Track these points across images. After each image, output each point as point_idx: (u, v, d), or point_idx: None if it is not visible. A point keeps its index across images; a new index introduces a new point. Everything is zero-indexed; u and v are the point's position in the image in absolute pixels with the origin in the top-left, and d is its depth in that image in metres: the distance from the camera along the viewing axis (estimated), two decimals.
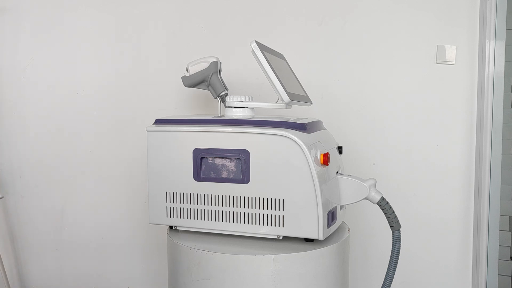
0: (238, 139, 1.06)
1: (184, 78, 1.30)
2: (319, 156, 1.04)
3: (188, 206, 1.12)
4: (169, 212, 1.15)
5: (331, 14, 1.69)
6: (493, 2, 1.57)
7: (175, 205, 1.14)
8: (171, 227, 1.19)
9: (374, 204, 1.13)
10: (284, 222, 1.04)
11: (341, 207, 1.19)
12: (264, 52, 1.11)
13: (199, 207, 1.11)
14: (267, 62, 1.09)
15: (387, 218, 1.11)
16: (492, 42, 1.58)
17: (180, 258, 1.09)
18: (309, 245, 1.06)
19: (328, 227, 1.06)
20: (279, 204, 1.04)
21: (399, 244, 1.12)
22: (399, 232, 1.12)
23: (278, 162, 1.03)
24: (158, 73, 1.80)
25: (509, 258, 2.38)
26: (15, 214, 1.86)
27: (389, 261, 1.14)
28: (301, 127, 1.06)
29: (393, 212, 1.12)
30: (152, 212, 1.17)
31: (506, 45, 1.61)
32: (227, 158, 1.07)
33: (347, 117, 1.71)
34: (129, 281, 1.87)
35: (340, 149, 1.23)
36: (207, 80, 1.26)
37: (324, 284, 1.05)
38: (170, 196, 1.14)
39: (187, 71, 1.32)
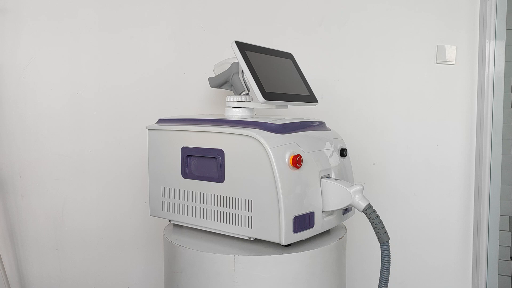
0: (215, 139, 1.09)
1: (210, 79, 1.32)
2: (288, 158, 1.01)
3: (178, 201, 1.19)
4: (164, 206, 1.23)
5: (331, 14, 1.69)
6: (493, 2, 1.57)
7: (168, 199, 1.21)
8: (170, 221, 1.27)
9: (360, 212, 1.06)
10: (252, 224, 1.04)
11: (331, 212, 1.13)
12: (247, 51, 1.13)
13: (186, 203, 1.17)
14: (245, 62, 1.10)
15: (373, 228, 1.03)
16: (492, 42, 1.58)
17: (164, 250, 1.18)
18: (278, 249, 1.04)
19: (296, 232, 1.01)
20: (248, 205, 1.04)
21: (389, 257, 1.03)
22: (388, 245, 1.02)
23: (247, 162, 1.03)
24: (158, 73, 1.80)
25: (509, 258, 2.38)
26: (15, 214, 1.86)
27: (380, 277, 1.06)
28: (274, 128, 1.04)
29: (381, 221, 1.03)
30: (152, 205, 1.26)
31: (506, 45, 1.61)
32: (207, 157, 1.11)
33: (347, 117, 1.71)
34: (129, 281, 1.87)
35: (343, 152, 1.18)
36: (229, 81, 1.28)
37: None
38: (164, 191, 1.22)
39: (214, 72, 1.34)
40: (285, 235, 0.99)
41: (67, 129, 1.81)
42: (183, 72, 1.80)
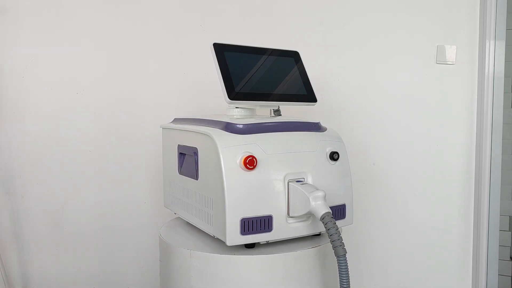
0: (193, 137, 1.13)
1: None
2: (240, 159, 1.00)
3: (176, 195, 1.25)
4: (170, 199, 1.30)
5: (331, 14, 1.69)
6: (493, 2, 1.57)
7: (172, 193, 1.27)
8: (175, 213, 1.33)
9: (318, 219, 0.99)
10: (213, 222, 1.05)
11: (306, 218, 1.07)
12: (226, 52, 1.16)
13: (180, 197, 1.23)
14: (218, 63, 1.13)
15: (329, 238, 0.95)
16: (492, 42, 1.58)
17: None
18: (237, 249, 1.04)
19: (244, 234, 1.00)
20: (211, 203, 1.05)
21: (346, 271, 0.94)
22: (344, 258, 0.94)
23: (211, 161, 1.05)
24: (158, 73, 1.80)
25: (509, 258, 2.38)
26: (15, 214, 1.86)
27: None
28: (234, 128, 1.05)
29: (338, 232, 0.95)
30: (164, 198, 1.35)
31: (506, 45, 1.61)
32: (190, 155, 1.16)
33: (347, 117, 1.70)
34: (129, 281, 1.87)
35: (332, 155, 1.11)
36: None
37: None
38: (170, 185, 1.29)
39: None
40: (229, 235, 0.98)
41: (67, 129, 1.81)
42: (183, 72, 1.79)
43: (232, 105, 1.16)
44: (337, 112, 1.71)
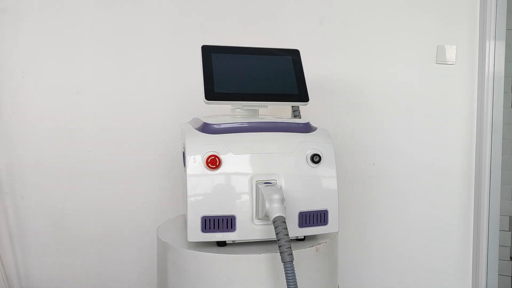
0: (183, 137, 1.16)
1: None
2: (204, 158, 1.02)
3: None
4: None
5: (331, 14, 1.69)
6: (493, 2, 1.57)
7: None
8: None
9: (271, 222, 0.96)
10: (186, 217, 1.08)
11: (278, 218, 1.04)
12: (213, 54, 1.19)
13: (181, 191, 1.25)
14: (202, 64, 1.16)
15: (277, 242, 0.92)
16: (492, 42, 1.58)
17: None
18: (198, 246, 1.06)
19: (205, 232, 1.02)
20: (185, 199, 1.07)
21: (293, 278, 0.91)
22: (290, 265, 0.90)
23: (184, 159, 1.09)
24: (158, 73, 1.79)
25: (509, 258, 2.38)
26: (15, 214, 1.86)
27: None
28: (206, 128, 1.08)
29: (285, 238, 0.91)
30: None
31: (506, 45, 1.61)
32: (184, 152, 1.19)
33: (347, 117, 1.70)
34: (129, 281, 1.86)
35: (313, 158, 1.06)
36: None
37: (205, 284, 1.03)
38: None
39: None
40: (190, 231, 1.02)
41: (67, 130, 1.81)
42: (183, 72, 1.79)
43: (210, 105, 1.17)
44: (337, 112, 1.71)
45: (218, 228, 1.03)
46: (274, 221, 0.94)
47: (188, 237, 1.02)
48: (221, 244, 1.05)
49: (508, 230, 2.44)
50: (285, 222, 0.94)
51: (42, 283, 1.88)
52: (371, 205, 1.71)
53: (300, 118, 1.28)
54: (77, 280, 1.87)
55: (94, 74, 1.80)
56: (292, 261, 0.91)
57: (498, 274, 1.67)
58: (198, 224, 1.01)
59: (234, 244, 1.06)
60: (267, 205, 0.97)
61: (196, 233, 1.02)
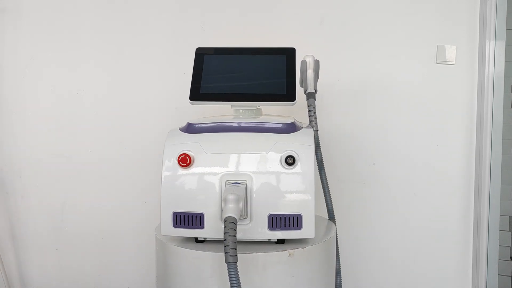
0: None
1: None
2: (177, 156, 1.06)
3: None
4: None
5: (331, 14, 1.69)
6: (493, 2, 1.57)
7: None
8: None
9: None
10: None
11: (249, 221, 1.05)
12: (206, 55, 1.24)
13: None
14: (194, 66, 1.22)
15: (224, 241, 0.90)
16: (492, 42, 1.58)
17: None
18: (179, 241, 1.10)
19: (176, 227, 1.06)
20: None
21: (236, 279, 0.89)
22: (233, 266, 0.89)
23: None
24: (158, 73, 1.79)
25: (509, 258, 2.38)
26: (15, 214, 1.86)
27: None
28: (186, 127, 1.13)
29: (232, 238, 0.90)
30: None
31: (506, 45, 1.61)
32: None
33: (347, 117, 1.70)
34: (129, 280, 1.86)
35: (287, 160, 1.03)
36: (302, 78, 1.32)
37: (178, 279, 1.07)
38: None
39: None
40: (164, 226, 1.07)
41: (67, 130, 1.81)
42: (183, 73, 1.79)
43: (195, 105, 1.22)
44: (337, 112, 1.71)
45: (188, 225, 1.06)
46: (225, 220, 0.93)
47: (162, 231, 1.07)
48: (198, 241, 1.09)
49: (508, 230, 2.44)
50: (234, 223, 0.93)
51: (42, 283, 1.89)
52: (371, 205, 1.71)
53: (315, 119, 1.25)
54: (76, 280, 1.87)
55: (94, 74, 1.80)
56: (235, 262, 0.90)
57: (498, 274, 1.67)
58: (169, 219, 1.06)
59: (209, 241, 1.09)
60: (222, 204, 0.99)
61: (168, 228, 1.07)
